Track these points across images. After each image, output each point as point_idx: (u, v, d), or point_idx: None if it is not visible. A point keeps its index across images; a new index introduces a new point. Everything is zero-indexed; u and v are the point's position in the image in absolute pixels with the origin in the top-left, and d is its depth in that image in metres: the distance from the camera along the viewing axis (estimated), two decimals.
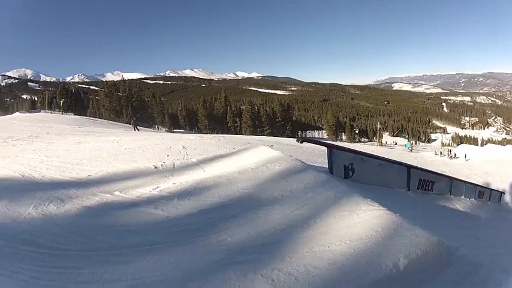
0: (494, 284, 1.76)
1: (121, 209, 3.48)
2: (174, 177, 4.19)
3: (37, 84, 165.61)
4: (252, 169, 3.85)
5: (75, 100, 62.28)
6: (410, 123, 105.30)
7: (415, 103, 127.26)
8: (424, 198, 4.40)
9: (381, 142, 54.19)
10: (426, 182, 4.60)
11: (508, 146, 30.43)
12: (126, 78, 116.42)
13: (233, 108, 59.00)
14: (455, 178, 5.52)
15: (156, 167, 4.63)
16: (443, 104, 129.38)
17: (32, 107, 64.20)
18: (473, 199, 5.47)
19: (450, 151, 29.82)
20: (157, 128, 51.29)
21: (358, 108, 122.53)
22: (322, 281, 1.77)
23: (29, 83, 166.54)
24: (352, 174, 3.77)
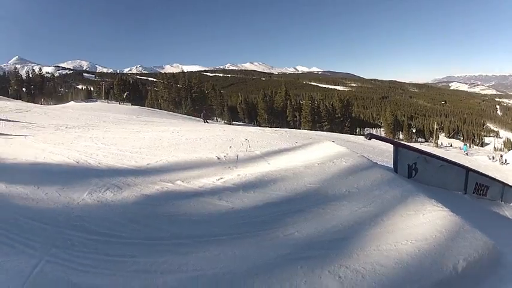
0: None
1: (183, 199, 7.63)
2: (238, 168, 9.45)
3: (93, 75, 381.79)
4: (318, 164, 9.09)
5: (133, 91, 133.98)
6: (465, 125, 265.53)
7: (471, 104, 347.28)
8: (478, 203, 10.44)
9: (437, 143, 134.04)
10: (481, 187, 12.24)
11: None
12: (185, 70, 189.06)
13: (293, 103, 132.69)
14: (507, 184, 14.73)
15: (218, 158, 10.53)
16: (497, 107, 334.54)
17: (88, 96, 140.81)
18: None
19: (502, 156, 75.05)
20: (216, 119, 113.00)
21: (416, 107, 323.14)
22: (388, 280, 4.49)
23: (84, 74, 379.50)
24: (415, 174, 9.27)
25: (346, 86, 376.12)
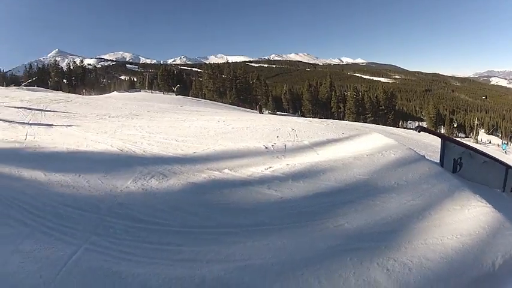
0: None
1: (231, 187, 7.80)
2: (286, 158, 9.89)
3: (136, 66, 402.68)
4: (367, 155, 9.47)
5: (177, 81, 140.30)
6: (504, 121, 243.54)
7: (510, 100, 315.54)
8: None
9: (477, 139, 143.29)
10: None
11: None
12: (230, 61, 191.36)
13: (337, 94, 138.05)
14: None
15: (266, 148, 10.97)
16: None
17: (131, 87, 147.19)
18: None
19: None
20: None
21: (458, 101, 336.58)
22: (433, 274, 4.81)
23: (127, 65, 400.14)
24: (459, 168, 9.52)
25: (390, 78, 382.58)
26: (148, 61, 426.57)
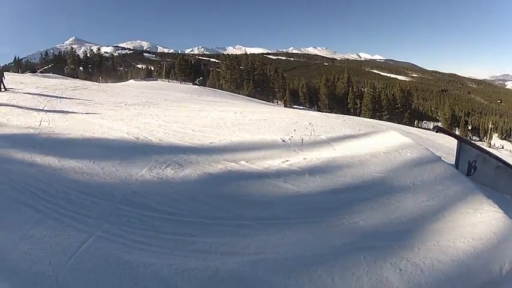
0: None
1: (247, 179, 7.91)
2: (303, 152, 10.09)
3: (153, 55, 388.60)
4: (384, 153, 9.65)
5: (194, 71, 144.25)
6: None
7: None
8: None
9: (490, 143, 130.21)
10: None
11: None
12: (248, 52, 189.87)
13: (354, 90, 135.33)
14: None
15: (283, 141, 11.24)
16: None
17: (148, 76, 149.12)
18: None
19: None
20: (277, 102, 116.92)
21: (473, 103, 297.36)
22: (444, 276, 5.03)
23: (144, 54, 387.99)
24: (473, 172, 9.76)
25: (407, 76, 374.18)
26: (165, 50, 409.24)
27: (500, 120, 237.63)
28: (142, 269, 5.12)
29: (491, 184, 9.75)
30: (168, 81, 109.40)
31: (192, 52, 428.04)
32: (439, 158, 9.68)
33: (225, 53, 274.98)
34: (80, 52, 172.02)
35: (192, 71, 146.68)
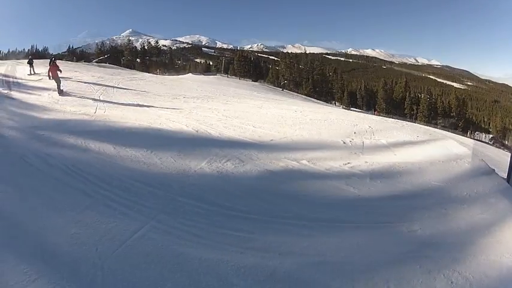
0: None
1: (309, 179, 7.92)
2: (364, 155, 10.22)
3: (212, 50, 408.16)
4: (443, 162, 9.79)
5: (253, 67, 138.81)
6: None
7: None
8: None
9: None
10: None
11: None
12: (307, 51, 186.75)
13: (412, 95, 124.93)
14: None
15: (344, 143, 11.53)
16: None
17: (206, 70, 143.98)
18: None
19: None
20: (335, 103, 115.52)
21: None
22: None
23: (203, 49, 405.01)
24: None
25: (462, 84, 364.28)
26: (225, 46, 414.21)
27: None
28: (197, 263, 5.15)
29: None
30: (227, 77, 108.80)
31: (251, 49, 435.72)
32: (493, 171, 9.33)
33: (285, 51, 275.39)
34: (137, 44, 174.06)
35: (252, 67, 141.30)
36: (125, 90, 24.06)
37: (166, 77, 68.14)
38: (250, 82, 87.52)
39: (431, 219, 6.84)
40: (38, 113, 14.66)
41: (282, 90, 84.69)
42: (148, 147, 9.66)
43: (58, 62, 23.41)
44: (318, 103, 62.24)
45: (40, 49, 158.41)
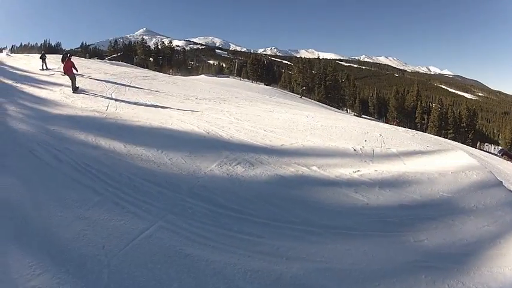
0: None
1: (318, 186, 8.00)
2: (374, 164, 10.14)
3: (225, 52, 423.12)
4: (452, 173, 9.65)
5: (266, 71, 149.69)
6: None
7: None
8: None
9: None
10: None
11: None
12: (320, 57, 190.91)
13: (423, 105, 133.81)
14: None
15: (355, 150, 11.31)
16: None
17: (219, 72, 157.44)
18: None
19: None
20: (347, 110, 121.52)
21: None
22: None
23: (216, 50, 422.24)
24: None
25: (473, 95, 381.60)
26: (238, 48, 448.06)
27: None
28: (204, 265, 5.23)
29: None
30: (240, 79, 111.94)
31: (264, 52, 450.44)
32: (501, 183, 9.51)
33: (298, 56, 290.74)
34: (151, 43, 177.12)
35: (264, 71, 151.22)
36: (137, 89, 24.28)
37: (179, 77, 68.76)
38: (262, 86, 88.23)
39: (438, 229, 7.02)
40: (48, 108, 14.80)
41: (301, 97, 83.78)
42: (158, 147, 9.79)
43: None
44: (330, 109, 61.80)
45: (53, 44, 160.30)
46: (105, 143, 10.05)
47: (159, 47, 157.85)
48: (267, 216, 6.70)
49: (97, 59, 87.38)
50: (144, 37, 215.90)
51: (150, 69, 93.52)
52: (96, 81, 24.88)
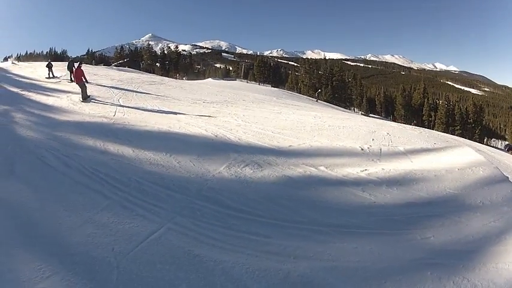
0: None
1: (326, 185, 8.07)
2: (381, 162, 10.42)
3: (232, 55, 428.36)
4: (459, 169, 9.95)
5: (273, 73, 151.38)
6: None
7: None
8: None
9: None
10: None
11: None
12: (327, 57, 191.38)
13: (430, 102, 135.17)
14: None
15: (362, 149, 11.61)
16: None
17: (225, 75, 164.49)
18: None
19: None
20: (354, 110, 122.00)
21: None
22: None
23: (223, 54, 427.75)
24: None
25: (479, 90, 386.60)
26: (244, 51, 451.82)
27: None
28: (213, 265, 5.32)
29: None
30: (247, 82, 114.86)
31: (271, 54, 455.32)
32: (507, 179, 9.63)
33: (304, 57, 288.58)
34: (157, 48, 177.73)
35: (271, 73, 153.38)
36: (144, 94, 24.45)
37: (186, 81, 69.04)
38: (269, 88, 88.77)
39: (445, 227, 7.10)
40: (56, 115, 15.00)
41: (317, 101, 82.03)
42: (167, 151, 9.96)
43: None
44: (337, 109, 62.85)
45: (59, 51, 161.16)
46: (113, 148, 10.20)
47: (165, 52, 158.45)
48: (275, 216, 6.81)
49: (103, 65, 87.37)
50: (150, 42, 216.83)
51: (157, 74, 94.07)
52: (103, 87, 25.01)
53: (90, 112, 15.92)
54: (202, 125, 14.12)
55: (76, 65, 24.05)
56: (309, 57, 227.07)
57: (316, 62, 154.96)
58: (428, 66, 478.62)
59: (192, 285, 4.90)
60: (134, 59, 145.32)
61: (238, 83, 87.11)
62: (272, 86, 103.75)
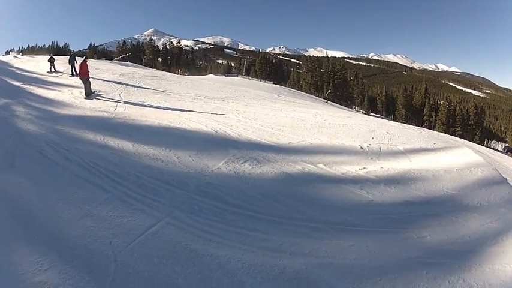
0: None
1: (324, 183, 8.10)
2: (380, 161, 10.41)
3: (234, 51, 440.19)
4: (457, 170, 9.93)
5: (275, 70, 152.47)
6: None
7: None
8: None
9: None
10: None
11: None
12: (329, 55, 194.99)
13: (431, 102, 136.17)
14: None
15: (361, 148, 11.59)
16: None
17: (227, 71, 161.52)
18: None
19: None
20: (355, 108, 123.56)
21: None
22: None
23: (225, 50, 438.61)
24: None
25: (481, 92, 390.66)
26: (247, 47, 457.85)
27: None
28: (209, 259, 5.40)
29: None
30: (249, 79, 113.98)
31: (273, 51, 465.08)
32: (505, 180, 9.71)
33: (306, 54, 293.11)
34: (159, 43, 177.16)
35: (273, 70, 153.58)
36: (146, 89, 24.55)
37: (188, 77, 69.64)
38: (271, 85, 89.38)
39: (442, 226, 7.14)
40: (57, 109, 15.09)
41: (326, 102, 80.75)
42: (167, 146, 10.03)
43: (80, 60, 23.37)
44: (338, 107, 63.06)
45: (61, 45, 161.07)
46: (113, 142, 10.27)
47: (168, 47, 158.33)
48: (273, 213, 6.87)
49: (105, 59, 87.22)
50: (152, 37, 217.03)
51: (159, 69, 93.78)
52: (105, 82, 25.09)
53: (91, 106, 16.04)
54: (202, 120, 14.19)
55: (78, 59, 24.00)
56: (311, 55, 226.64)
57: (319, 59, 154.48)
58: (431, 67, 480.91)
59: (188, 279, 4.96)
60: (136, 53, 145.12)
61: (239, 80, 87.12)
62: (274, 83, 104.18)
